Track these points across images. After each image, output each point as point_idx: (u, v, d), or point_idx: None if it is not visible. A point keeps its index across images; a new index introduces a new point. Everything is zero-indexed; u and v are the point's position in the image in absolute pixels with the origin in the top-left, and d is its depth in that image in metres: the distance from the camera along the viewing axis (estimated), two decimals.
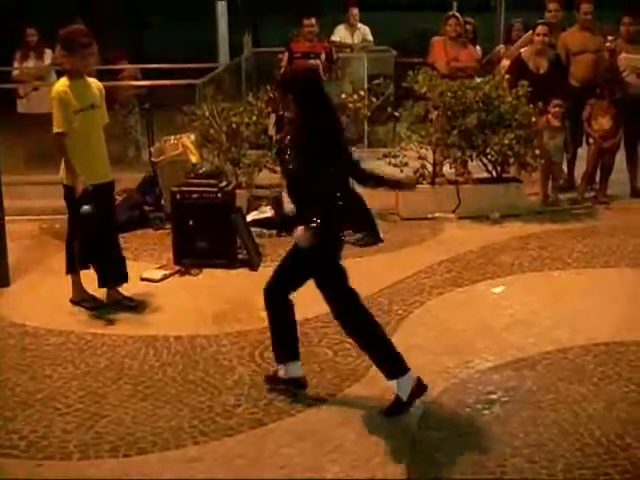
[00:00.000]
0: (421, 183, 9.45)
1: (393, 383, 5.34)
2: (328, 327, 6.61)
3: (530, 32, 10.30)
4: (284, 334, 5.58)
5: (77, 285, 7.20)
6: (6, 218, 7.86)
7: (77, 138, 6.78)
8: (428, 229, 9.13)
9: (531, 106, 9.33)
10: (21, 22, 12.52)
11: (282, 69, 11.66)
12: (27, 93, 11.96)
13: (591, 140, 10.08)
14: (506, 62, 10.54)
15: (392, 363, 5.35)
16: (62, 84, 6.83)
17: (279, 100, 11.03)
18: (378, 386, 5.64)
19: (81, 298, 7.14)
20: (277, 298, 5.52)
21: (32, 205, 9.79)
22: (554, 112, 9.68)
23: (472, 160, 9.67)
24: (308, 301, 6.99)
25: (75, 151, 6.76)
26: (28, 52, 12.08)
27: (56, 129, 6.75)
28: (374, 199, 9.73)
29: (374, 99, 10.08)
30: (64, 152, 6.78)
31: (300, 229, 5.22)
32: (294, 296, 5.57)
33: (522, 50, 10.22)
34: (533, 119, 9.37)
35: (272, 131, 10.88)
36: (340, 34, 13.56)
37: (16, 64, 12.09)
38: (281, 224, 8.93)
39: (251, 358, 6.13)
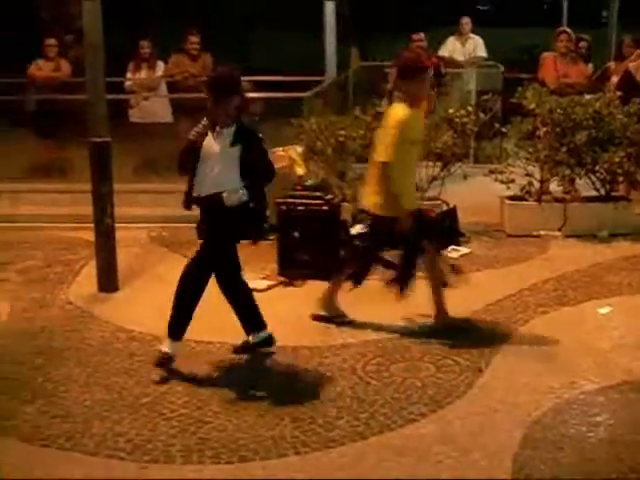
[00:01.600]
0: (527, 200, 9.37)
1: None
2: (430, 343, 6.61)
3: None
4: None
5: (332, 301, 7.11)
6: (116, 225, 8.04)
7: (403, 168, 6.52)
8: (534, 247, 9.02)
9: None
10: (135, 34, 12.82)
11: (389, 84, 11.65)
12: (138, 103, 12.24)
13: None
14: (615, 79, 10.37)
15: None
16: (405, 113, 6.49)
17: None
18: (480, 404, 5.62)
19: (335, 314, 7.10)
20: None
21: (141, 213, 9.99)
22: None
23: (580, 178, 9.53)
24: (411, 315, 7.05)
25: (400, 181, 6.51)
26: (141, 64, 12.36)
27: (384, 158, 6.43)
28: (481, 214, 9.73)
29: (482, 115, 10.00)
30: (391, 182, 6.46)
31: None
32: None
33: (630, 64, 10.04)
34: None
35: None
36: (450, 46, 13.51)
37: (129, 75, 12.38)
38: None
39: (353, 371, 6.14)
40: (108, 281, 7.84)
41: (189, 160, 6.10)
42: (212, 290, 7.67)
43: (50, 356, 6.45)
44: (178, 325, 6.22)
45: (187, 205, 6.25)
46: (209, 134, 6.01)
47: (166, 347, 6.18)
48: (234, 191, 5.94)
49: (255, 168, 6.03)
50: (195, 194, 6.10)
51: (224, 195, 5.93)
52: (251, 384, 5.96)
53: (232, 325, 6.93)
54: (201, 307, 7.37)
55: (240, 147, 5.95)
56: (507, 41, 21.55)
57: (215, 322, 7.04)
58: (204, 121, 6.02)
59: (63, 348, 6.63)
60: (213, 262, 6.27)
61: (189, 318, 6.23)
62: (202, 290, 6.25)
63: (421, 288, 7.91)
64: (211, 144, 6.00)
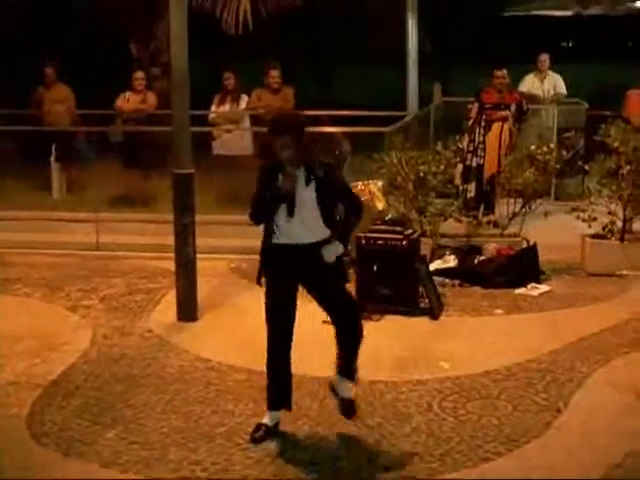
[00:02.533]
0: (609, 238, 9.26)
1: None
2: (508, 381, 6.55)
3: None
4: None
5: None
6: (197, 255, 8.15)
7: None
8: (615, 286, 8.89)
9: None
10: (219, 67, 13.04)
11: (471, 120, 11.67)
12: (220, 135, 12.41)
13: None
14: None
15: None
16: None
17: (465, 150, 11.16)
18: (558, 444, 5.55)
19: None
20: None
21: (222, 244, 10.09)
22: None
23: None
24: (489, 352, 6.99)
25: None
26: (225, 96, 12.52)
27: None
28: (562, 252, 9.63)
29: (564, 152, 9.93)
30: None
31: None
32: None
33: None
34: None
35: (458, 181, 10.92)
36: (528, 84, 13.46)
37: (213, 107, 12.57)
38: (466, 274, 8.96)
39: (429, 407, 6.11)
40: (188, 310, 7.94)
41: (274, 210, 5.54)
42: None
43: (129, 383, 6.56)
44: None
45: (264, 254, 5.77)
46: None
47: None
48: (331, 245, 5.53)
49: (335, 204, 5.65)
50: (280, 242, 5.59)
51: (324, 252, 5.52)
52: (327, 416, 5.96)
53: (309, 357, 6.98)
54: None
55: (315, 186, 5.49)
56: (591, 78, 21.41)
57: (294, 354, 7.08)
58: (290, 169, 5.42)
59: (142, 375, 6.73)
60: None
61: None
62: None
63: (498, 325, 7.92)
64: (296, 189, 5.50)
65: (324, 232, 5.56)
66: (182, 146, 7.84)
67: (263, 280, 5.77)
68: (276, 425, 5.73)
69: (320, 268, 5.58)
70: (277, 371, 5.74)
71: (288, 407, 5.79)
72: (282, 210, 5.50)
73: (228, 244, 10.10)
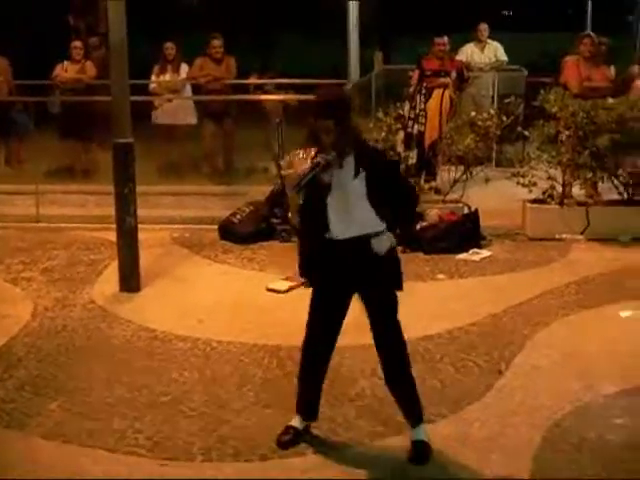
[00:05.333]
0: (549, 203, 9.37)
1: None
2: (451, 344, 6.63)
3: None
4: None
5: None
6: (139, 226, 8.09)
7: None
8: (555, 250, 9.00)
9: None
10: (159, 36, 12.90)
11: (412, 87, 11.70)
12: (161, 105, 12.32)
13: None
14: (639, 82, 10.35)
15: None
16: None
17: (407, 118, 11.18)
18: (499, 406, 5.63)
19: None
20: None
21: (164, 214, 10.05)
22: None
23: (603, 182, 9.52)
24: (431, 317, 7.05)
25: None
26: (166, 66, 12.43)
27: None
28: (503, 217, 9.72)
29: (504, 118, 10.00)
30: None
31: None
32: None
33: None
34: None
35: (400, 148, 10.94)
36: (467, 52, 13.52)
37: (154, 77, 12.46)
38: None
39: (373, 372, 6.14)
40: (130, 281, 7.89)
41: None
42: (232, 289, 7.74)
43: (72, 354, 6.51)
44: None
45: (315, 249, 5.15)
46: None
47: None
48: (380, 236, 4.98)
49: (390, 198, 4.99)
50: (329, 236, 4.99)
51: (373, 243, 4.96)
52: (272, 384, 5.98)
53: (254, 325, 7.00)
54: (223, 307, 7.46)
55: (364, 175, 4.92)
56: (530, 46, 21.55)
57: (236, 322, 7.11)
58: (328, 155, 4.87)
59: (85, 346, 6.69)
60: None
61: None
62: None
63: (440, 290, 8.00)
64: (339, 179, 4.93)
65: (377, 225, 4.96)
66: (121, 115, 7.76)
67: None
68: (306, 428, 5.30)
69: (377, 270, 5.03)
70: (308, 381, 5.29)
71: (314, 418, 5.33)
72: (330, 203, 4.95)
73: (170, 214, 10.10)
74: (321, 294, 5.12)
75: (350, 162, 4.91)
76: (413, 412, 5.17)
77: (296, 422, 5.27)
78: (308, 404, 5.28)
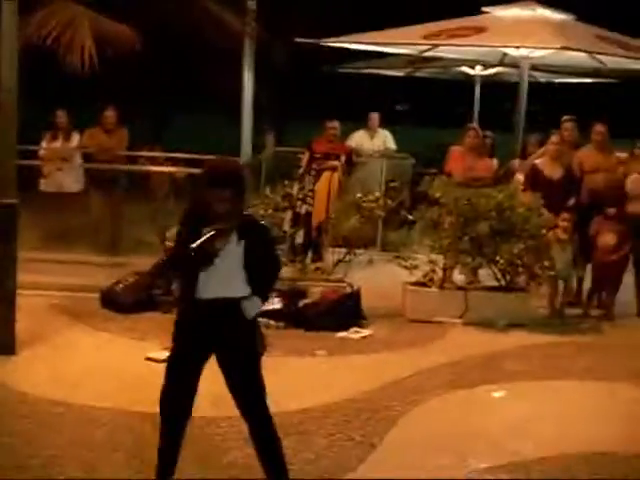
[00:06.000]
0: (429, 286, 9.57)
1: None
2: (326, 417, 6.68)
3: (544, 147, 10.60)
4: None
5: None
6: (19, 291, 7.98)
7: None
8: (433, 332, 9.17)
9: (544, 216, 9.48)
10: (52, 104, 12.87)
11: (301, 169, 11.91)
12: (50, 172, 12.24)
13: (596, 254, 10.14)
14: (520, 176, 10.76)
15: None
16: None
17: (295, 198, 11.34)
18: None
19: None
20: None
21: (45, 280, 9.91)
22: (563, 226, 9.83)
23: (481, 267, 9.78)
24: (307, 389, 7.08)
25: None
26: (57, 133, 12.39)
27: None
28: (384, 298, 9.88)
29: (389, 201, 10.25)
30: None
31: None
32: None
33: (537, 161, 10.50)
34: (543, 231, 9.50)
35: (287, 226, 11.08)
36: (357, 139, 13.86)
37: (44, 144, 12.40)
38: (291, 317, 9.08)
39: (246, 442, 6.10)
40: (5, 343, 7.73)
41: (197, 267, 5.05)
42: (110, 356, 7.64)
43: None
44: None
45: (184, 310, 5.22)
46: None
47: None
48: (252, 301, 5.08)
49: (261, 266, 5.13)
50: (197, 296, 5.06)
51: (244, 305, 5.06)
52: (144, 450, 5.90)
53: (129, 392, 6.92)
54: (99, 374, 7.36)
55: (244, 242, 5.03)
56: (422, 139, 22.13)
57: (112, 389, 7.02)
58: (220, 225, 4.93)
59: None
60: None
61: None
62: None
63: (319, 366, 8.06)
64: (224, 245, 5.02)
65: (245, 289, 5.07)
66: (6, 175, 7.69)
67: None
68: None
69: (238, 332, 5.09)
70: (163, 444, 5.20)
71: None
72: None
73: (51, 281, 9.94)
74: (178, 353, 5.16)
75: (233, 231, 5.00)
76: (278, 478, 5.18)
77: None
78: (164, 465, 5.19)
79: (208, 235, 4.92)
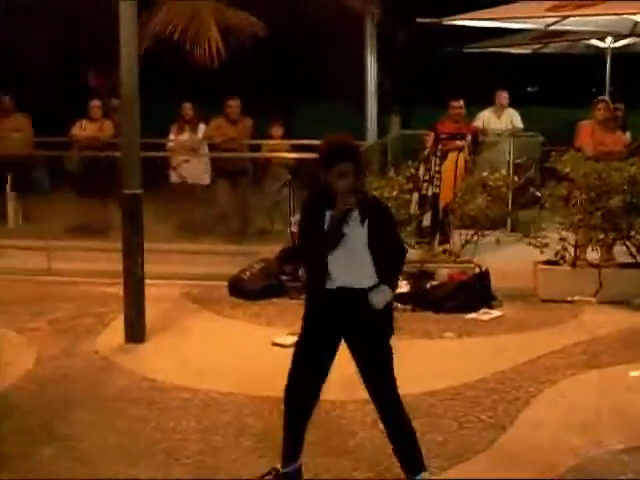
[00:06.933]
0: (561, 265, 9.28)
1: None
2: (455, 399, 6.52)
3: None
4: None
5: None
6: (148, 282, 8.10)
7: None
8: (566, 312, 8.89)
9: None
10: (180, 98, 13.05)
11: (427, 150, 11.72)
12: (179, 164, 12.41)
13: None
14: None
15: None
16: None
17: (422, 179, 11.17)
18: (502, 460, 5.51)
19: None
20: None
21: (175, 271, 10.04)
22: None
23: (615, 243, 9.43)
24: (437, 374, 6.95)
25: None
26: (184, 125, 12.56)
27: None
28: (515, 278, 9.62)
29: (516, 178, 9.98)
30: None
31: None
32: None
33: None
34: None
35: (414, 209, 10.89)
36: (483, 118, 13.56)
37: (172, 136, 12.59)
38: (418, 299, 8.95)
39: (374, 424, 6.03)
40: (135, 332, 7.85)
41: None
42: (237, 342, 7.68)
43: (70, 402, 6.44)
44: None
45: (313, 298, 5.10)
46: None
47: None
48: (379, 290, 4.93)
49: (386, 247, 4.98)
50: (327, 286, 4.93)
51: (371, 298, 4.91)
52: (271, 435, 5.86)
53: (256, 377, 6.92)
54: (226, 360, 7.40)
55: (367, 224, 4.88)
56: (551, 118, 21.61)
57: (239, 375, 7.03)
58: (345, 204, 4.81)
59: (84, 394, 6.62)
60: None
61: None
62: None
63: (448, 348, 7.91)
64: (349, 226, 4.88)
65: (373, 277, 4.92)
66: (131, 166, 7.79)
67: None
68: (296, 472, 5.12)
69: (367, 319, 4.96)
70: (290, 428, 5.13)
71: (296, 460, 5.14)
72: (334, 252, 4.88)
73: (180, 271, 10.07)
74: (309, 340, 5.06)
75: (356, 210, 4.87)
76: (410, 463, 5.06)
77: (280, 465, 5.15)
78: (289, 449, 5.13)
79: (336, 217, 4.83)
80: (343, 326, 5.01)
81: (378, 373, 5.06)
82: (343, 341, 5.08)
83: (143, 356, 7.58)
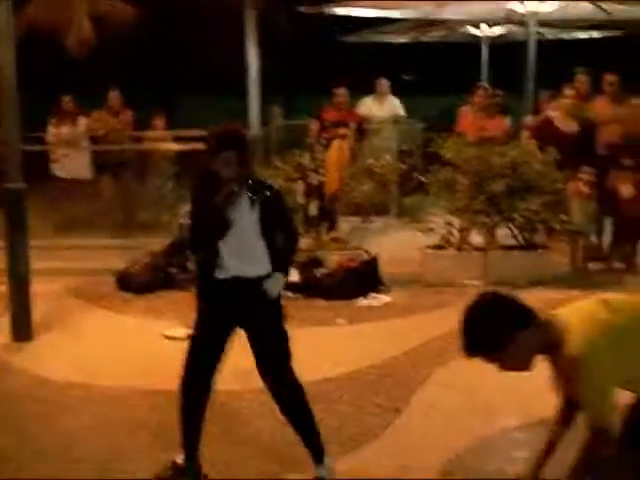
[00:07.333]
0: (447, 249, 9.43)
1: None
2: (350, 385, 6.60)
3: (557, 102, 10.42)
4: None
5: None
6: (34, 278, 7.90)
7: None
8: (454, 295, 9.02)
9: (559, 172, 9.32)
10: (58, 89, 12.79)
11: (312, 138, 11.76)
12: (59, 158, 12.17)
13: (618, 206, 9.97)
14: (525, 132, 10.63)
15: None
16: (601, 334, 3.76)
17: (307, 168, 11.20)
18: (397, 443, 5.59)
19: None
20: None
21: (59, 266, 9.83)
22: (585, 179, 9.66)
23: (498, 227, 9.63)
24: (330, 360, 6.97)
25: None
26: (63, 118, 12.32)
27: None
28: (402, 264, 9.74)
29: (401, 165, 10.11)
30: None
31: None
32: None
33: (551, 114, 10.32)
34: (560, 185, 9.33)
35: (301, 198, 10.92)
36: (366, 106, 13.69)
37: (51, 129, 12.32)
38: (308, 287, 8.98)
39: (272, 413, 6.02)
40: (22, 330, 7.67)
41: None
42: (128, 337, 7.57)
43: None
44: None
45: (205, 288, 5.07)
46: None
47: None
48: (274, 279, 4.95)
49: (278, 231, 5.01)
50: (220, 276, 4.94)
51: (267, 286, 4.92)
52: (168, 428, 5.80)
53: (150, 371, 6.83)
54: (117, 355, 7.28)
55: (258, 209, 4.90)
56: (431, 106, 21.91)
57: (132, 370, 6.94)
58: (232, 187, 4.85)
59: None
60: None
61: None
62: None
63: (340, 334, 7.97)
64: (235, 213, 4.90)
65: (266, 264, 4.94)
66: (12, 160, 7.59)
67: None
68: (193, 465, 5.12)
69: (260, 305, 4.97)
70: (187, 419, 5.11)
71: (195, 453, 5.14)
72: (224, 240, 4.89)
73: (66, 266, 9.86)
74: (202, 331, 5.05)
75: (245, 196, 4.88)
76: (313, 449, 5.11)
77: (179, 458, 5.12)
78: (189, 439, 5.11)
79: (218, 202, 4.83)
80: (238, 315, 5.00)
81: (277, 359, 5.08)
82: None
83: (32, 354, 7.39)
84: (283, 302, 5.18)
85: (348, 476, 5.15)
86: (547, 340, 3.83)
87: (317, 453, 5.10)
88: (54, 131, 12.35)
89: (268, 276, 4.95)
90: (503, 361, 3.91)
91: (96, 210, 12.03)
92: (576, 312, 3.92)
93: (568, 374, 3.85)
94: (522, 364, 3.93)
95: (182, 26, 16.15)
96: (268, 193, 4.98)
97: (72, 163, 12.22)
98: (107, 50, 12.52)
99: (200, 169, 5.17)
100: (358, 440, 5.64)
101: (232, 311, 4.99)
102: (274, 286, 4.97)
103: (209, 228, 4.91)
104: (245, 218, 4.88)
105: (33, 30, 12.19)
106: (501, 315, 3.86)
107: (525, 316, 3.87)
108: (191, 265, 9.28)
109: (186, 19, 15.05)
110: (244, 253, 4.91)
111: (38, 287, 8.11)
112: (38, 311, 7.99)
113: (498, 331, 3.82)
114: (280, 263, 5.00)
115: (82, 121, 12.32)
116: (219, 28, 14.97)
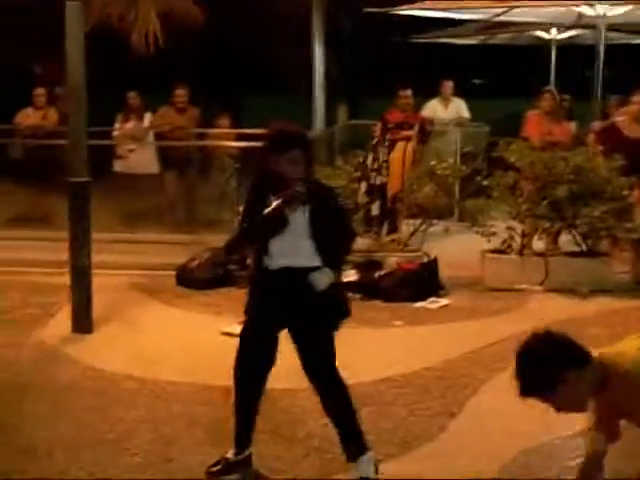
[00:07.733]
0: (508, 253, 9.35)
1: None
2: (404, 387, 6.56)
3: (625, 108, 10.27)
4: None
5: None
6: (95, 272, 8.01)
7: None
8: (514, 299, 8.96)
9: (624, 179, 9.18)
10: (125, 87, 12.93)
11: (375, 139, 11.72)
12: (124, 153, 12.30)
13: None
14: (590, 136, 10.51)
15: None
16: None
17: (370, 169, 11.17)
18: (451, 446, 5.54)
19: None
20: None
21: (122, 260, 9.93)
22: None
23: (561, 232, 9.52)
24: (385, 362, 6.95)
25: None
26: (129, 115, 12.44)
27: None
28: (462, 267, 9.68)
29: (463, 167, 10.04)
30: None
31: None
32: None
33: (618, 118, 10.17)
34: (625, 192, 9.20)
35: (362, 198, 10.89)
36: (430, 108, 13.62)
37: (117, 125, 12.46)
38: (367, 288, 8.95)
39: (322, 413, 6.03)
40: (82, 322, 7.77)
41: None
42: (186, 332, 7.63)
43: (16, 391, 6.36)
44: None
45: (254, 280, 5.20)
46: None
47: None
48: (321, 271, 4.94)
49: (330, 233, 4.97)
50: (266, 264, 4.99)
51: (312, 278, 4.92)
52: (222, 424, 5.83)
53: (206, 367, 6.88)
54: (174, 350, 7.34)
55: (308, 208, 4.89)
56: (498, 109, 21.75)
57: (188, 365, 6.99)
58: (294, 190, 4.82)
59: (30, 384, 6.54)
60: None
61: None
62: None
63: (396, 336, 7.94)
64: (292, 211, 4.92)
65: (315, 259, 4.93)
66: (78, 154, 7.71)
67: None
68: (245, 460, 5.12)
69: (305, 302, 4.97)
70: (240, 413, 5.15)
71: (247, 446, 5.16)
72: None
73: (128, 260, 9.96)
74: (252, 324, 5.08)
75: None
76: (348, 448, 5.08)
77: (230, 454, 5.13)
78: (240, 435, 5.13)
79: (277, 203, 4.84)
80: (284, 307, 4.99)
81: (317, 358, 5.09)
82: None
83: (91, 346, 7.49)
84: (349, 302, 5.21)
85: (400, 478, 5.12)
86: (598, 379, 3.76)
87: (349, 452, 5.06)
88: (120, 127, 12.46)
89: (316, 269, 4.94)
90: (557, 402, 3.83)
91: (159, 205, 12.14)
92: (622, 347, 3.85)
93: (627, 397, 3.76)
94: (576, 405, 3.90)
95: (249, 27, 16.22)
96: (321, 194, 4.99)
97: (138, 158, 12.32)
98: (176, 47, 12.60)
99: (259, 166, 5.19)
100: (411, 443, 5.60)
101: (280, 302, 4.98)
102: (321, 279, 4.94)
103: (266, 226, 4.90)
104: (297, 217, 4.88)
105: (100, 26, 12.36)
106: (552, 356, 3.85)
107: (576, 356, 3.84)
108: (250, 262, 9.33)
109: (253, 20, 15.13)
110: (293, 249, 4.93)
111: (100, 280, 8.23)
112: (98, 304, 8.09)
113: (549, 372, 3.80)
114: (331, 259, 4.99)
115: (147, 117, 12.43)
116: (286, 29, 15.03)
